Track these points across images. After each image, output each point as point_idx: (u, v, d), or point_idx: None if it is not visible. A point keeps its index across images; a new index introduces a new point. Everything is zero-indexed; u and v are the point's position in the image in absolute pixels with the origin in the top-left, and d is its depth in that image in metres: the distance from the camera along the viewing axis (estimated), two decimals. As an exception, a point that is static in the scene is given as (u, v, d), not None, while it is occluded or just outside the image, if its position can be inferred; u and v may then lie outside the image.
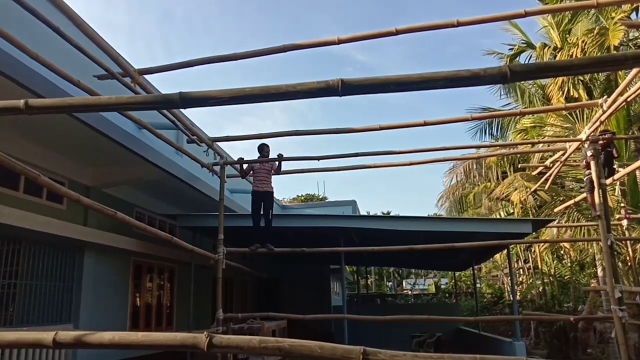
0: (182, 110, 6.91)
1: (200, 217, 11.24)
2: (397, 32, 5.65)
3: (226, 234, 7.92)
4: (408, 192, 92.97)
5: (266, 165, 8.13)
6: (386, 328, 15.40)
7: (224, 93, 2.69)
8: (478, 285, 28.09)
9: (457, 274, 23.63)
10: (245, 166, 8.22)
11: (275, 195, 8.51)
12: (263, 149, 8.09)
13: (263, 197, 8.08)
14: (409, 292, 41.09)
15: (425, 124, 7.99)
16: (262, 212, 8.08)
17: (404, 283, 48.29)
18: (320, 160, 8.21)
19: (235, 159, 8.46)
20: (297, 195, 46.59)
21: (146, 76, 6.78)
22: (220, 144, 9.71)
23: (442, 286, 34.40)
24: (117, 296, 10.36)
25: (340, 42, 5.64)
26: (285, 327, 10.35)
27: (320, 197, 44.44)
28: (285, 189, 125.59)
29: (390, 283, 50.10)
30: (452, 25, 5.48)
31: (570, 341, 14.37)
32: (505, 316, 8.45)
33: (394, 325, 15.06)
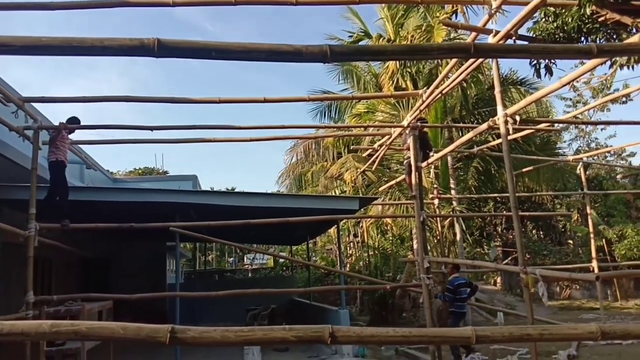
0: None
1: (9, 188, 9.76)
2: (236, 3, 5.53)
3: (40, 208, 7.05)
4: (253, 170, 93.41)
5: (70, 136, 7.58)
6: (223, 303, 15.39)
7: (15, 40, 2.29)
8: (314, 258, 29.65)
9: (294, 247, 24.57)
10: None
11: (108, 167, 7.90)
12: (77, 122, 7.52)
13: (64, 169, 7.46)
14: (249, 267, 41.61)
15: (265, 100, 8.02)
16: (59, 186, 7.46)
17: (245, 258, 48.69)
18: (158, 132, 7.78)
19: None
20: (135, 169, 43.51)
21: None
22: (38, 107, 8.56)
23: (281, 260, 35.49)
24: None
25: (175, 4, 5.33)
26: (111, 308, 9.64)
27: (161, 171, 42.15)
28: (120, 161, 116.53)
29: (232, 259, 50.13)
30: (291, 3, 5.53)
31: (389, 307, 15.99)
32: (331, 286, 9.12)
33: (231, 299, 15.10)
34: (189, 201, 9.25)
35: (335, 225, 12.80)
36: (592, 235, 15.24)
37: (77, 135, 7.96)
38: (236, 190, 40.74)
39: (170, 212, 9.64)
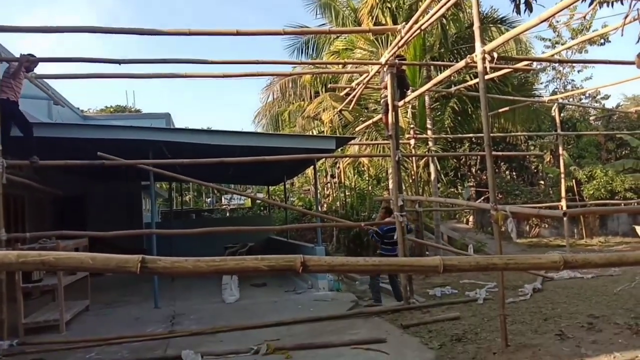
0: None
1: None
2: None
3: (10, 144, 6.84)
4: (229, 110, 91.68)
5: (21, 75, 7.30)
6: (201, 242, 15.46)
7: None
8: (291, 198, 29.90)
9: (271, 188, 24.67)
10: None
11: (77, 105, 7.65)
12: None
13: (15, 108, 7.23)
14: (226, 207, 41.79)
15: (238, 33, 7.74)
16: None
17: (222, 199, 48.78)
18: (128, 67, 7.47)
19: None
20: (106, 107, 42.22)
21: None
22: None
23: (258, 200, 35.69)
24: None
25: None
26: (87, 246, 9.64)
27: (133, 109, 41.05)
28: (90, 100, 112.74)
29: (209, 199, 50.21)
30: None
31: (364, 244, 16.39)
32: (307, 224, 9.23)
33: (209, 238, 15.23)
34: (161, 139, 9.04)
35: (312, 166, 12.80)
36: (562, 176, 15.63)
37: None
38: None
39: (142, 150, 9.45)
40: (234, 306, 9.34)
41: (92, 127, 10.18)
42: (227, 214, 34.87)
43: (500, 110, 14.82)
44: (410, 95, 9.09)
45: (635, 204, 17.04)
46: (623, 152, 22.24)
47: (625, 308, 7.25)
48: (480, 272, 8.74)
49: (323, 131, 17.36)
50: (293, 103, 20.64)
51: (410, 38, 8.11)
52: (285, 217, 19.44)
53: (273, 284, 11.56)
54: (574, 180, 18.87)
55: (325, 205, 23.76)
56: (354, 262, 2.42)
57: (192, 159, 8.82)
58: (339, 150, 14.26)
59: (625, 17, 4.91)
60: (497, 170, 22.59)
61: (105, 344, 6.71)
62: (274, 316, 7.81)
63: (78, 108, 18.72)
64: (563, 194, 15.17)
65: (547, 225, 19.43)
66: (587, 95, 25.84)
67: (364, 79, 9.83)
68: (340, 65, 13.93)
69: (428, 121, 14.36)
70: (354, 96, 11.03)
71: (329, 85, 14.92)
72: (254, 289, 11.17)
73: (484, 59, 5.64)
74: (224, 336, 6.93)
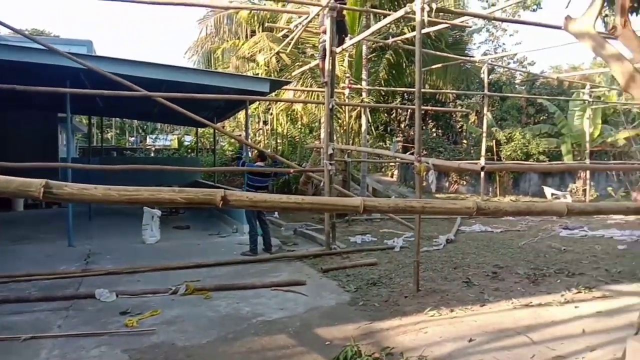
0: None
1: None
2: None
3: None
4: (158, 45, 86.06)
5: None
6: (122, 183, 14.72)
7: None
8: (221, 142, 29.20)
9: (200, 130, 23.91)
10: None
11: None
12: None
13: None
14: (151, 147, 40.19)
15: (169, -44, 7.14)
16: None
17: (147, 138, 46.74)
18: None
19: None
20: (21, 29, 38.23)
21: None
22: None
23: (186, 143, 34.61)
24: None
25: None
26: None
27: (52, 35, 37.61)
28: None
29: (133, 138, 47.94)
30: None
31: (293, 192, 16.50)
32: (233, 167, 8.95)
33: (132, 179, 14.55)
34: (81, 66, 8.30)
35: (244, 109, 12.45)
36: (484, 135, 16.42)
37: None
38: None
39: (59, 78, 8.68)
40: (154, 247, 9.13)
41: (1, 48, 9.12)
42: (152, 155, 33.55)
43: (433, 66, 15.10)
44: (349, 42, 8.94)
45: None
46: (541, 117, 23.62)
47: (527, 260, 7.89)
48: (398, 214, 9.04)
49: (258, 73, 16.85)
50: (227, 41, 19.66)
51: (352, -18, 7.89)
52: (214, 161, 19.02)
53: (197, 227, 11.40)
54: (494, 141, 19.88)
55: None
56: (277, 199, 2.37)
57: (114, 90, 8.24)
58: (273, 94, 13.93)
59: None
60: (424, 127, 23.26)
61: (11, 281, 6.34)
62: (196, 259, 7.72)
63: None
64: (483, 152, 15.96)
65: (465, 182, 20.50)
66: (515, 59, 26.94)
67: (303, 20, 9.53)
68: (280, 4, 13.37)
69: (364, 72, 14.33)
70: (292, 38, 10.71)
71: (266, 25, 14.31)
72: (176, 231, 10.97)
73: (422, 9, 5.60)
74: (143, 276, 6.79)
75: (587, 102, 17.74)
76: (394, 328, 4.78)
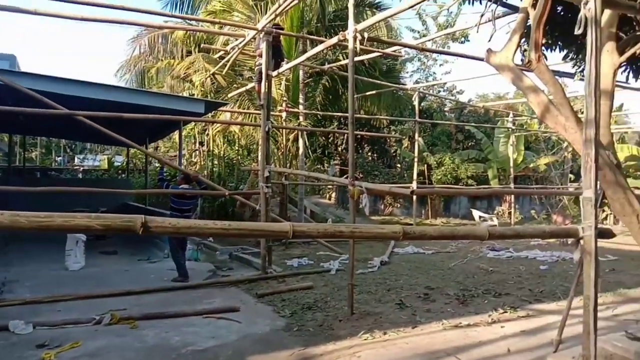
0: None
1: None
2: None
3: None
4: (88, 62, 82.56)
5: None
6: (45, 206, 13.80)
7: None
8: (155, 164, 28.24)
9: (132, 151, 23.04)
10: None
11: None
12: None
13: None
14: (79, 168, 38.13)
15: (100, -28, 6.92)
16: None
17: (75, 158, 44.38)
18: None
19: None
20: None
21: None
22: None
23: (117, 163, 33.16)
24: None
25: None
26: None
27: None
28: None
29: (60, 158, 45.37)
30: None
31: (229, 215, 16.18)
32: (160, 189, 8.54)
33: (56, 202, 13.72)
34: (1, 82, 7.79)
35: (178, 130, 12.15)
36: (416, 160, 16.98)
37: None
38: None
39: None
40: (78, 274, 8.59)
41: None
42: (80, 175, 31.85)
43: (368, 93, 15.55)
44: (285, 66, 9.02)
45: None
46: (469, 143, 24.84)
47: (457, 281, 8.16)
48: (328, 239, 9.10)
49: (194, 94, 16.56)
50: (162, 60, 19.21)
51: (289, 7, 8.02)
52: (146, 182, 18.35)
53: (125, 252, 10.86)
54: (425, 165, 20.64)
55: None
56: (202, 225, 2.29)
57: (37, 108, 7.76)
58: (209, 115, 13.69)
59: (481, 16, 5.35)
60: (360, 151, 23.78)
61: None
62: (123, 286, 7.33)
63: None
64: (415, 176, 16.49)
65: (399, 205, 21.07)
66: (445, 88, 28.28)
67: (240, 43, 9.53)
68: (217, 26, 13.29)
69: (301, 96, 14.50)
70: (228, 60, 10.66)
71: (202, 45, 14.14)
72: (102, 257, 10.40)
73: (355, 37, 5.76)
74: (65, 306, 6.33)
75: (510, 129, 18.89)
76: (327, 353, 4.74)
